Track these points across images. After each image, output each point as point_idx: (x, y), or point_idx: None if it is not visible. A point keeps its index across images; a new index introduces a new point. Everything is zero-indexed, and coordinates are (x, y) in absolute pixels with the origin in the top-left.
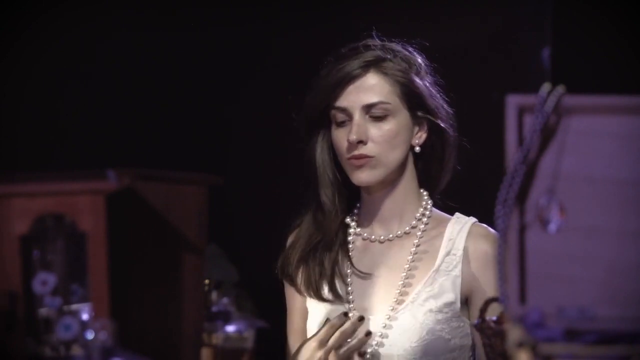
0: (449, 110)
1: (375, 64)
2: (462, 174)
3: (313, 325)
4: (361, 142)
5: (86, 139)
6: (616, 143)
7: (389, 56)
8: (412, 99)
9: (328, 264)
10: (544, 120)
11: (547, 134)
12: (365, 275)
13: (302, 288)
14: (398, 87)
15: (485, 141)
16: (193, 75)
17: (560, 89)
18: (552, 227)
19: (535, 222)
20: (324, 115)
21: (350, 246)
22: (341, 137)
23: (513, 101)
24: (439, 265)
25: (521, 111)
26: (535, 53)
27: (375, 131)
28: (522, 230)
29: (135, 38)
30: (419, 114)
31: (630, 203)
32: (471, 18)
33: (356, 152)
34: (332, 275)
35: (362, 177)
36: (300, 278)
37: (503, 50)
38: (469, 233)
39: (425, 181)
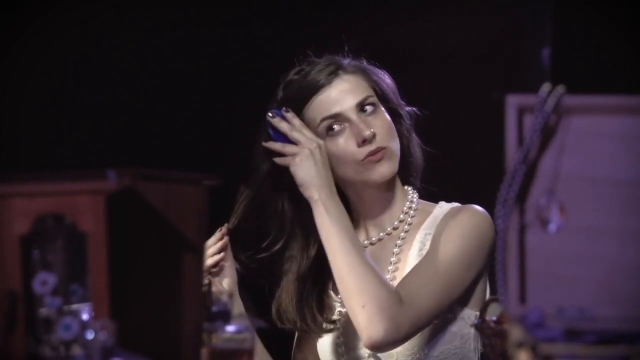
0: (401, 100)
1: (341, 68)
2: (462, 174)
3: (321, 351)
4: (374, 136)
5: (86, 139)
6: (616, 143)
7: (345, 61)
8: (381, 91)
9: (319, 295)
10: (544, 120)
11: (547, 134)
12: None
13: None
14: (368, 82)
15: (485, 141)
16: (193, 75)
17: (560, 89)
18: (552, 227)
19: (535, 222)
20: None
21: None
22: (345, 143)
23: (513, 101)
24: (414, 251)
25: (521, 111)
26: (535, 53)
27: (375, 125)
28: (522, 230)
29: (135, 38)
30: (388, 105)
31: (630, 203)
32: (471, 18)
33: (372, 148)
34: (322, 305)
35: (382, 169)
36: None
37: (503, 50)
38: (445, 214)
39: (402, 176)
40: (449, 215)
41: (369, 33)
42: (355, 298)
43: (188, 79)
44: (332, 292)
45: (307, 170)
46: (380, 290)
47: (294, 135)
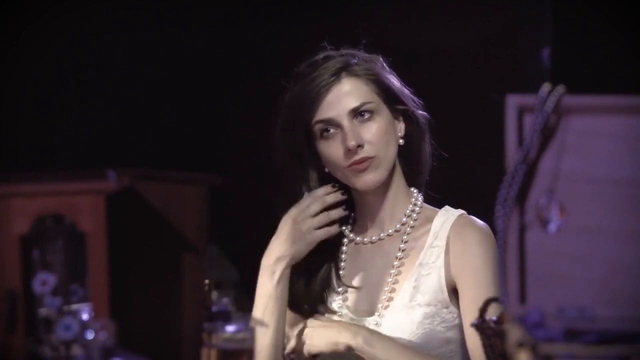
0: (417, 99)
1: (345, 69)
2: (462, 173)
3: None
4: (360, 146)
5: (86, 138)
6: (616, 143)
7: (354, 60)
8: (388, 93)
9: (320, 283)
10: (544, 120)
11: (547, 134)
12: (356, 286)
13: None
14: (373, 85)
15: (485, 141)
16: (193, 75)
17: (560, 89)
18: (552, 227)
19: (535, 222)
20: (303, 136)
21: (343, 256)
22: (334, 148)
23: (513, 101)
24: (422, 259)
25: (521, 111)
26: (535, 53)
27: (368, 132)
28: (522, 230)
29: (135, 38)
30: (396, 106)
31: (630, 203)
32: (471, 18)
33: (357, 157)
34: (322, 293)
35: (367, 179)
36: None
37: (503, 50)
38: (453, 224)
39: (410, 177)
40: (461, 237)
41: (369, 33)
42: None
43: (188, 78)
44: (334, 283)
45: None
46: None
47: None
